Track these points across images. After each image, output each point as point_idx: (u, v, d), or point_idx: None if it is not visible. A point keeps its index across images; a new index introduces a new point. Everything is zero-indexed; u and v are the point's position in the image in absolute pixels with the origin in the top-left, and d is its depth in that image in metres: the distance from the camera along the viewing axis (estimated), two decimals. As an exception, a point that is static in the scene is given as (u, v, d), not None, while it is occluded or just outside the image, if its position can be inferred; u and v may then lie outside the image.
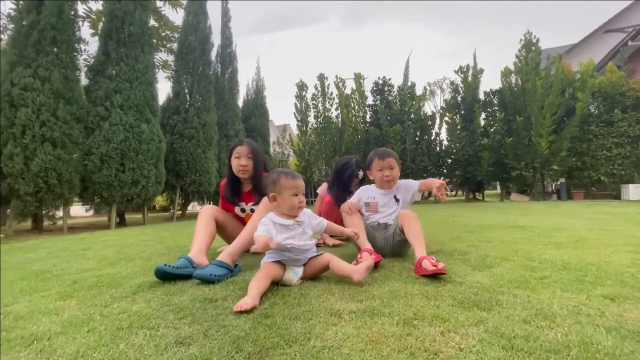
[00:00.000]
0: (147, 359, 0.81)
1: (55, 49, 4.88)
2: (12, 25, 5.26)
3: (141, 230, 4.34)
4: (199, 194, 7.48)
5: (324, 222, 1.62)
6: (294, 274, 1.42)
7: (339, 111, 11.14)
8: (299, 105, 11.38)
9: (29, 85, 4.53)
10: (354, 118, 10.77)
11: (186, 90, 7.25)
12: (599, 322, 0.95)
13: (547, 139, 8.27)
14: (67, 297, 1.36)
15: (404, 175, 9.74)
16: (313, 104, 11.41)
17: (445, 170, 10.25)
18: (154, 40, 6.61)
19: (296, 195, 1.47)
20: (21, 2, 5.54)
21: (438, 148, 10.21)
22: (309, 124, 11.43)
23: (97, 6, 7.83)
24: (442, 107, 10.13)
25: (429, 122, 10.08)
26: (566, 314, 1.01)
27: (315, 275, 1.48)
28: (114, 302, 1.25)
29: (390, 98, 10.47)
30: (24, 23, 4.77)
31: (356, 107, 10.92)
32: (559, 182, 9.30)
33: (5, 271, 1.96)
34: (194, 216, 7.65)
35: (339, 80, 10.92)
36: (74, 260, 2.20)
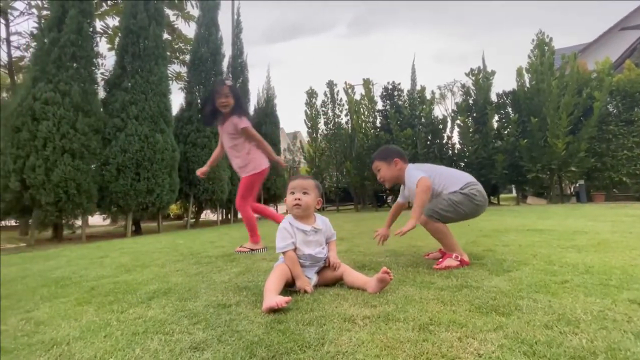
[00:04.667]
0: (162, 363, 0.82)
1: (74, 65, 5.07)
2: (35, 43, 5.49)
3: (156, 239, 4.41)
4: (212, 202, 7.57)
5: (334, 236, 1.57)
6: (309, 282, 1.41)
7: (349, 117, 11.15)
8: (309, 113, 11.46)
9: (50, 99, 4.72)
10: (364, 123, 10.75)
11: (198, 101, 7.40)
12: (627, 328, 0.90)
13: (564, 140, 8.05)
14: (85, 303, 1.39)
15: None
16: (323, 110, 11.47)
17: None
18: (167, 53, 6.80)
19: (292, 193, 1.47)
20: (43, 20, 5.81)
21: (450, 152, 10.07)
22: (319, 131, 11.48)
23: (114, 22, 8.13)
24: (453, 110, 9.99)
25: (440, 126, 9.96)
26: (591, 319, 0.97)
27: (329, 284, 1.47)
28: (130, 307, 1.27)
29: (400, 102, 10.43)
30: (46, 40, 4.99)
31: (366, 113, 10.91)
32: (577, 184, 9.00)
33: (26, 278, 2.02)
34: (207, 224, 7.76)
35: (348, 86, 10.96)
36: (91, 268, 2.25)
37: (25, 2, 6.96)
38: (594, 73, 8.66)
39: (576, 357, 0.75)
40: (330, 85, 11.48)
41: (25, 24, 12.63)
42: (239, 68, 8.84)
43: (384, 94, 10.73)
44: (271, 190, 9.69)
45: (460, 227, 3.59)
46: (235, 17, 9.15)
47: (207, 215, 9.13)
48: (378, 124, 10.87)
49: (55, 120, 4.70)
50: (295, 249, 1.42)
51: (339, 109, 11.38)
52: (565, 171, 8.54)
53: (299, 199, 1.45)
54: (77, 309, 1.31)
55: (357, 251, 2.30)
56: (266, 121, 9.90)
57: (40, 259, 2.98)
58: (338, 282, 1.46)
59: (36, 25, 6.37)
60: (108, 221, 7.47)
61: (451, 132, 10.00)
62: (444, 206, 1.76)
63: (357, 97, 10.96)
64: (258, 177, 2.70)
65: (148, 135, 5.62)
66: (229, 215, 8.96)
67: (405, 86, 11.54)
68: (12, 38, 6.85)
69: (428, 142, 9.87)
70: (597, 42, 13.98)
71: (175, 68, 9.21)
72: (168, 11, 8.14)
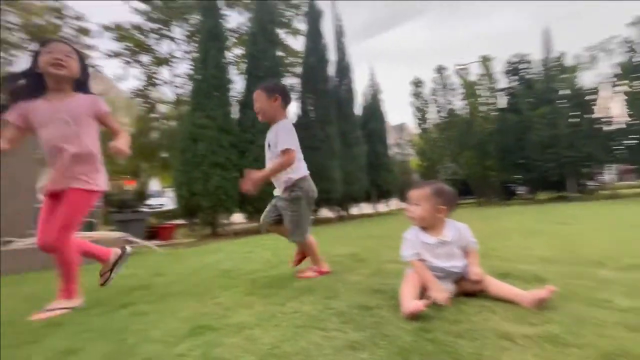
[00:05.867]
0: (326, 357, 0.94)
1: (217, 93, 6.23)
2: (190, 81, 6.97)
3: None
4: (327, 201, 8.08)
5: (473, 245, 1.41)
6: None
7: (463, 102, 10.10)
8: (416, 103, 10.91)
9: (204, 124, 5.93)
10: (483, 106, 9.55)
11: (310, 108, 8.01)
12: None
13: None
14: (251, 294, 1.70)
15: (560, 166, 7.97)
16: (433, 98, 10.73)
17: (621, 154, 7.84)
18: (280, 68, 7.59)
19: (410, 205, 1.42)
20: (193, 63, 7.32)
21: (606, 127, 7.93)
22: (429, 120, 10.79)
23: (240, 51, 9.55)
24: (615, 74, 7.79)
25: (591, 97, 7.96)
26: None
27: (468, 294, 1.37)
28: (287, 301, 1.49)
29: (530, 76, 8.82)
30: (197, 77, 6.29)
31: (485, 94, 9.66)
32: None
33: (203, 269, 2.59)
34: (323, 222, 8.33)
35: (460, 68, 9.93)
36: (245, 262, 2.72)
37: (182, 51, 8.93)
38: None
39: None
40: (439, 70, 10.63)
41: (182, 67, 16.20)
42: (344, 71, 9.14)
43: (509, 69, 9.27)
44: (382, 186, 9.65)
45: (637, 229, 2.80)
46: (336, 22, 9.46)
47: (321, 213, 9.78)
48: (502, 105, 9.48)
49: (208, 141, 5.86)
50: (423, 260, 1.36)
51: (451, 94, 10.44)
52: None
53: (410, 212, 1.41)
54: (247, 299, 1.61)
55: (495, 256, 2.08)
56: (373, 118, 9.91)
57: (206, 252, 3.77)
58: (479, 292, 1.36)
59: (190, 66, 8.11)
60: (242, 218, 8.88)
61: (608, 102, 7.87)
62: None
63: (473, 77, 9.82)
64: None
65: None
66: (344, 212, 9.38)
67: (536, 56, 9.68)
68: (176, 80, 8.93)
69: (574, 119, 8.03)
70: None
71: (288, 81, 10.18)
72: (278, 30, 9.08)
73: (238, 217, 7.97)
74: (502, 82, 9.45)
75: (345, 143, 8.56)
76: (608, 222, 3.42)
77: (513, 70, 9.19)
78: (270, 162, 2.00)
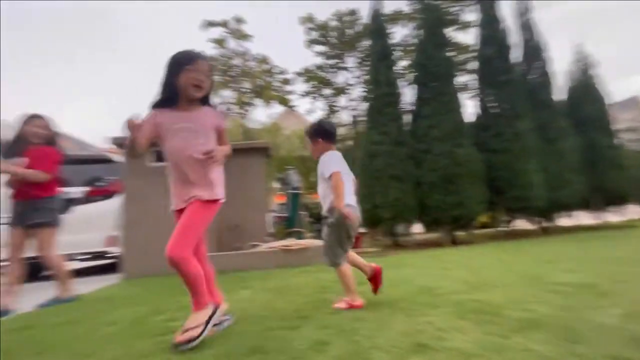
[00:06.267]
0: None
1: (389, 109, 6.52)
2: (366, 102, 7.61)
3: (477, 251, 4.53)
4: (524, 210, 6.75)
5: None
6: None
7: None
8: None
9: (379, 140, 6.32)
10: None
11: (492, 105, 7.04)
12: None
13: None
14: (461, 318, 1.63)
15: None
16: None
17: None
18: (451, 70, 7.10)
19: None
20: (365, 84, 8.00)
21: None
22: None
23: (406, 62, 9.66)
24: None
25: None
26: None
27: None
28: (510, 334, 1.35)
29: None
30: (370, 96, 6.80)
31: None
32: None
33: (400, 283, 2.68)
34: (519, 234, 6.97)
35: None
36: (440, 279, 2.63)
37: (354, 77, 9.98)
38: None
39: None
40: None
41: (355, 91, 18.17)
42: (534, 53, 7.56)
43: None
44: (608, 189, 7.18)
45: None
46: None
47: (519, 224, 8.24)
48: None
49: (384, 156, 6.19)
50: None
51: None
52: None
53: None
54: (458, 323, 1.56)
55: None
56: (586, 100, 7.63)
57: (397, 265, 3.86)
58: None
59: (363, 88, 8.93)
60: (423, 230, 8.67)
61: None
62: None
63: None
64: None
65: (451, 152, 6.03)
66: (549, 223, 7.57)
67: None
68: (351, 103, 10.06)
69: None
70: None
71: (461, 79, 9.40)
72: (445, 29, 8.57)
73: (417, 228, 7.90)
74: None
75: (545, 138, 6.97)
76: None
77: None
78: (324, 192, 2.07)
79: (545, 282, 2.20)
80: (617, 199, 7.48)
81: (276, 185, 9.07)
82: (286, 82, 9.40)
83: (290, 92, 9.52)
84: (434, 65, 6.57)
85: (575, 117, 7.36)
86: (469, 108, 7.96)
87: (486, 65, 7.19)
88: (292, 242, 4.68)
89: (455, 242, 6.77)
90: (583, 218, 7.79)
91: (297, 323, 1.74)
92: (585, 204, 7.38)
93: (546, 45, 7.61)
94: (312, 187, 10.38)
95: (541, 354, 1.15)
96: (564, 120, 7.15)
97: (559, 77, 8.05)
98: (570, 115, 7.31)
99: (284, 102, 9.83)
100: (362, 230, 7.90)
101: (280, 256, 4.28)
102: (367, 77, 7.79)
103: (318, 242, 5.22)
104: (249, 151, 5.74)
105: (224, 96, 8.94)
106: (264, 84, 8.76)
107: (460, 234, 7.77)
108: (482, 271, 2.78)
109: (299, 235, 6.20)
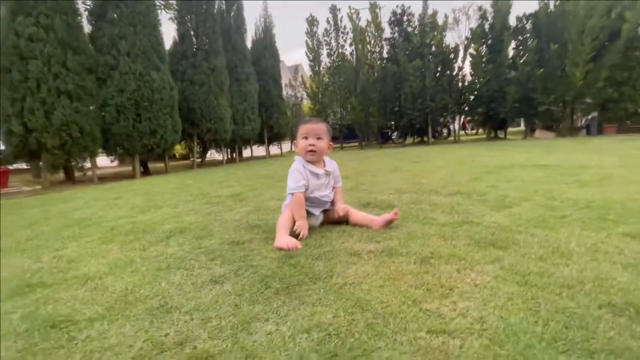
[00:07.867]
0: (186, 295, 0.91)
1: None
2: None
3: (165, 179, 4.53)
4: (216, 141, 7.57)
5: (340, 182, 1.59)
6: (315, 220, 1.48)
7: (353, 47, 10.39)
8: (310, 43, 10.67)
9: (34, 35, 4.41)
10: (369, 54, 10.06)
11: (192, 33, 6.88)
12: (617, 259, 0.96)
13: (584, 69, 7.55)
14: (108, 242, 1.49)
15: (424, 115, 9.37)
16: (325, 40, 10.65)
17: (466, 108, 9.74)
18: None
19: (305, 138, 1.45)
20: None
21: (460, 84, 9.58)
22: (322, 64, 10.83)
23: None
24: (466, 38, 9.22)
25: (452, 55, 9.31)
26: (583, 252, 1.03)
27: (334, 223, 1.53)
28: (150, 246, 1.37)
29: (409, 29, 9.59)
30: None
31: (372, 42, 10.13)
32: (589, 117, 8.71)
33: (50, 220, 2.14)
34: (214, 164, 7.88)
35: (352, 11, 9.99)
36: (108, 209, 2.36)
37: None
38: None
39: (565, 286, 0.82)
40: (333, 10, 10.47)
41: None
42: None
43: (393, 19, 9.81)
44: (274, 128, 9.57)
45: (464, 165, 3.61)
46: None
47: (212, 154, 9.21)
48: (385, 55, 10.18)
49: (44, 59, 4.46)
50: (305, 191, 1.44)
51: (342, 37, 10.56)
52: (579, 103, 8.20)
53: (314, 145, 1.43)
54: (102, 247, 1.41)
55: (362, 189, 2.36)
56: (265, 54, 9.29)
57: (58, 200, 3.11)
58: (344, 220, 1.53)
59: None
60: (115, 162, 7.60)
61: (463, 62, 9.38)
62: None
63: (363, 23, 10.07)
64: None
65: (143, 74, 5.37)
66: (234, 154, 9.03)
67: (417, 10, 10.51)
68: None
69: (437, 74, 9.34)
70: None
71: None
72: None
73: (104, 161, 6.74)
74: (387, 31, 10.04)
75: (235, 78, 7.89)
76: (446, 161, 4.28)
77: (396, 21, 9.79)
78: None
79: (208, 197, 2.51)
80: (278, 136, 10.19)
81: None
82: None
83: None
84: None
85: (257, 66, 8.83)
86: (169, 30, 7.36)
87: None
88: None
89: (148, 173, 6.47)
90: (258, 151, 9.97)
91: None
92: (261, 140, 9.48)
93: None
94: None
95: (172, 255, 1.23)
96: (250, 66, 8.38)
97: (250, 27, 9.21)
98: (254, 63, 8.66)
99: None
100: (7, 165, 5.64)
101: None
102: None
103: None
104: None
105: None
106: None
107: (157, 165, 7.54)
108: (157, 196, 2.77)
109: None
